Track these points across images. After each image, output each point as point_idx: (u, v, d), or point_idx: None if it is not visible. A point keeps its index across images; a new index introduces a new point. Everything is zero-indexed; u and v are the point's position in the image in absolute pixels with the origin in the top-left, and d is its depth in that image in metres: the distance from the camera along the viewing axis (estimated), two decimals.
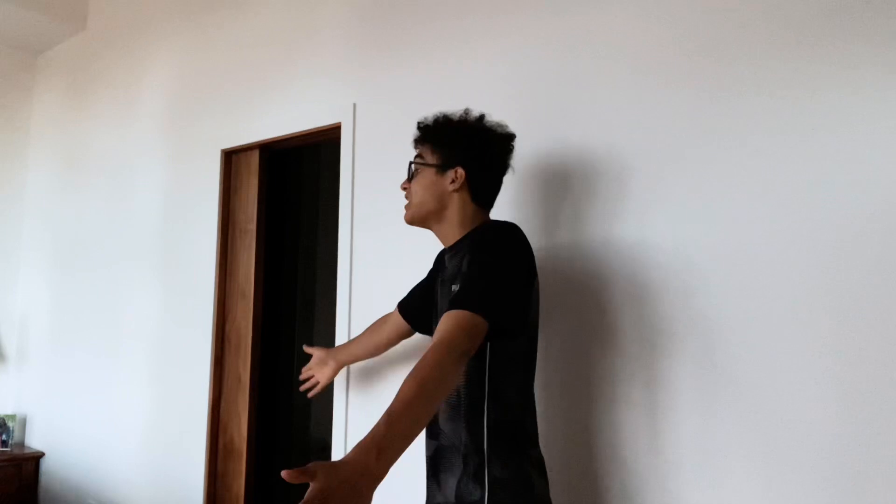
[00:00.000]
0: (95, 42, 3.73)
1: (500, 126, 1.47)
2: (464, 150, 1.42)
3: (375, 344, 1.87)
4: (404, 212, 1.47)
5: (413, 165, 1.46)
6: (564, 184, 1.75)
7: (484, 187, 1.45)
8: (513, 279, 1.29)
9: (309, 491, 0.86)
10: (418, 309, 1.71)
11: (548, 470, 1.40)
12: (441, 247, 1.59)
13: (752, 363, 1.43)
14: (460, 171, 1.41)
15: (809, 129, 1.40)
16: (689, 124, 1.56)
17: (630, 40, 1.68)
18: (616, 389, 1.61)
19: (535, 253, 1.37)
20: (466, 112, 1.47)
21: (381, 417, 0.99)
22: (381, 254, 2.19)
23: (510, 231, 1.36)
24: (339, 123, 2.36)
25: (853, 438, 1.30)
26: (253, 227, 2.76)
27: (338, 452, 2.22)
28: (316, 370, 1.95)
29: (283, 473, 0.86)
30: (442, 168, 1.42)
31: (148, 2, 3.36)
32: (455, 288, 1.33)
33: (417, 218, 1.46)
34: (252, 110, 2.72)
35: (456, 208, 1.43)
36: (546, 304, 1.69)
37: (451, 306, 1.21)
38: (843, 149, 1.36)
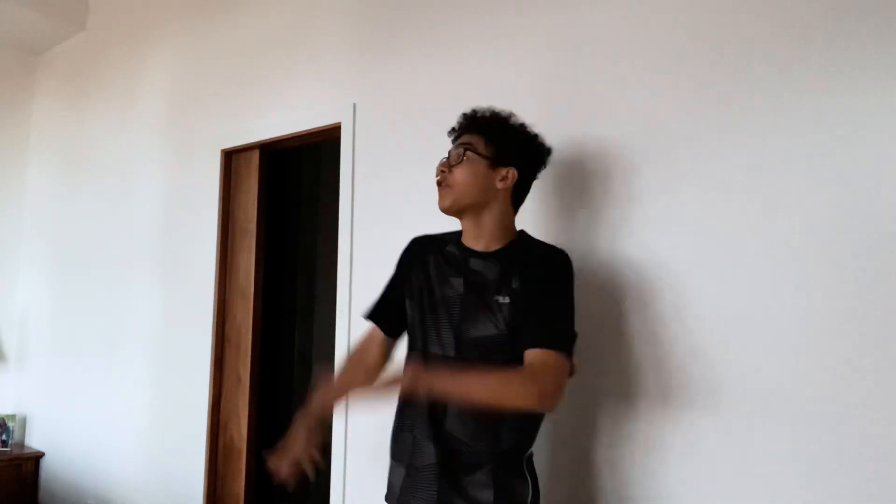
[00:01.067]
0: (95, 42, 3.73)
1: (541, 137, 1.49)
2: (520, 153, 1.42)
3: (366, 368, 1.55)
4: (441, 196, 1.40)
5: (464, 150, 1.39)
6: (566, 186, 1.75)
7: (523, 192, 1.47)
8: (573, 312, 1.33)
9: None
10: (395, 316, 1.53)
11: (548, 474, 1.47)
12: (407, 238, 1.55)
13: (761, 370, 1.42)
14: (513, 171, 1.40)
15: (825, 132, 1.39)
16: (702, 126, 1.55)
17: (637, 39, 1.68)
18: (619, 394, 1.61)
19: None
20: (512, 114, 1.46)
21: (448, 373, 1.28)
22: (381, 254, 2.19)
23: (568, 262, 1.38)
24: (339, 123, 2.36)
25: (854, 441, 1.30)
26: (253, 227, 2.76)
27: (338, 452, 2.22)
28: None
29: None
30: (494, 163, 1.39)
31: (148, 2, 3.36)
32: (504, 300, 1.32)
33: (458, 206, 1.40)
34: (252, 110, 2.72)
35: (499, 207, 1.40)
36: None
37: (546, 343, 1.25)
38: (855, 154, 1.36)
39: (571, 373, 1.29)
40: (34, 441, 3.78)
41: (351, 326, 2.25)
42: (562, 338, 1.26)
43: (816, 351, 1.35)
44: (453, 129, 1.48)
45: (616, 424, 1.60)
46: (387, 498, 1.45)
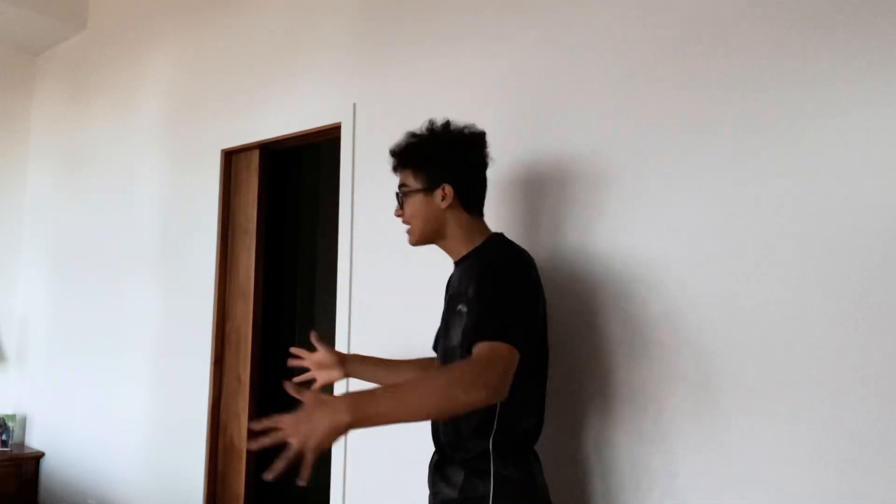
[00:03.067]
0: (95, 42, 3.73)
1: (469, 127, 1.48)
2: (445, 167, 1.43)
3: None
4: (408, 237, 1.49)
5: (398, 195, 1.48)
6: (554, 189, 1.75)
7: (472, 194, 1.47)
8: (525, 307, 1.31)
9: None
10: None
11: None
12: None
13: (739, 366, 1.42)
14: (447, 188, 1.42)
15: (793, 132, 1.39)
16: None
17: (615, 47, 1.68)
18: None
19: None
20: (432, 124, 1.47)
21: (386, 387, 1.20)
22: (381, 253, 2.19)
23: (517, 259, 1.37)
24: (339, 123, 2.36)
25: (851, 440, 1.30)
26: (253, 227, 2.76)
27: (337, 452, 2.22)
28: (317, 369, 1.63)
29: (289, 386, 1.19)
30: (429, 190, 1.43)
31: (148, 2, 3.36)
32: (462, 309, 1.36)
33: (421, 241, 1.48)
34: (252, 110, 2.72)
35: (454, 224, 1.45)
36: None
37: (482, 336, 1.21)
38: (827, 151, 1.36)
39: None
40: (34, 441, 3.78)
41: (351, 326, 2.25)
42: (504, 329, 1.22)
43: (814, 348, 1.35)
44: (394, 169, 1.52)
45: (602, 421, 1.60)
46: None
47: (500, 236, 1.47)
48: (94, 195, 3.55)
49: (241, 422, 2.69)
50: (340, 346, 2.27)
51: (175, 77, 3.14)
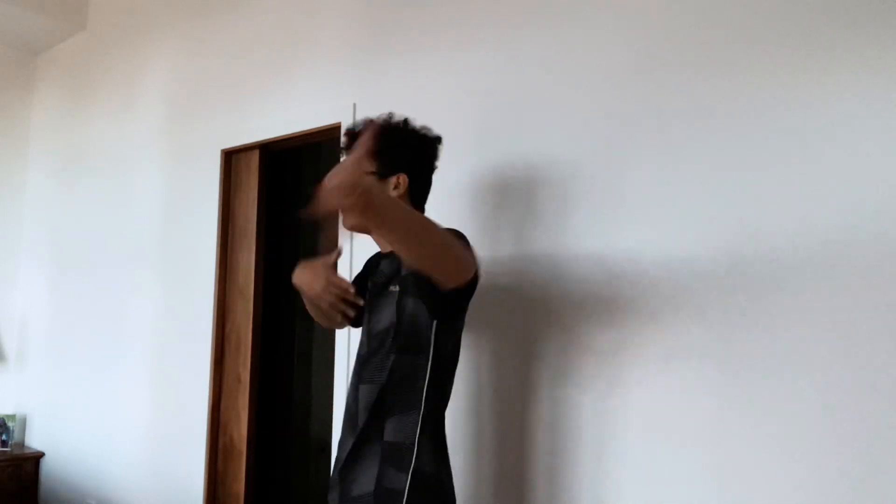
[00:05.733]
0: (95, 42, 3.73)
1: (426, 129, 1.48)
2: (404, 157, 1.42)
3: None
4: (345, 218, 1.39)
5: None
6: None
7: (421, 191, 1.47)
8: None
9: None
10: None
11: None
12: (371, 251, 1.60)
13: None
14: (403, 177, 1.41)
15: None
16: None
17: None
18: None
19: (481, 262, 1.37)
20: (390, 116, 1.46)
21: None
22: None
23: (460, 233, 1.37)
24: (339, 123, 2.36)
25: (850, 442, 1.30)
26: (253, 227, 2.77)
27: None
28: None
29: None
30: (383, 175, 1.41)
31: (148, 2, 3.36)
32: (395, 288, 1.37)
33: (360, 227, 1.39)
34: (252, 110, 2.72)
35: None
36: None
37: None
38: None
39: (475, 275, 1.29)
40: (34, 441, 3.78)
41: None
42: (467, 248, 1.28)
43: (803, 346, 1.35)
44: (341, 150, 1.48)
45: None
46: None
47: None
48: (93, 195, 3.55)
49: (241, 422, 2.70)
50: (341, 344, 2.27)
51: (175, 77, 3.14)
